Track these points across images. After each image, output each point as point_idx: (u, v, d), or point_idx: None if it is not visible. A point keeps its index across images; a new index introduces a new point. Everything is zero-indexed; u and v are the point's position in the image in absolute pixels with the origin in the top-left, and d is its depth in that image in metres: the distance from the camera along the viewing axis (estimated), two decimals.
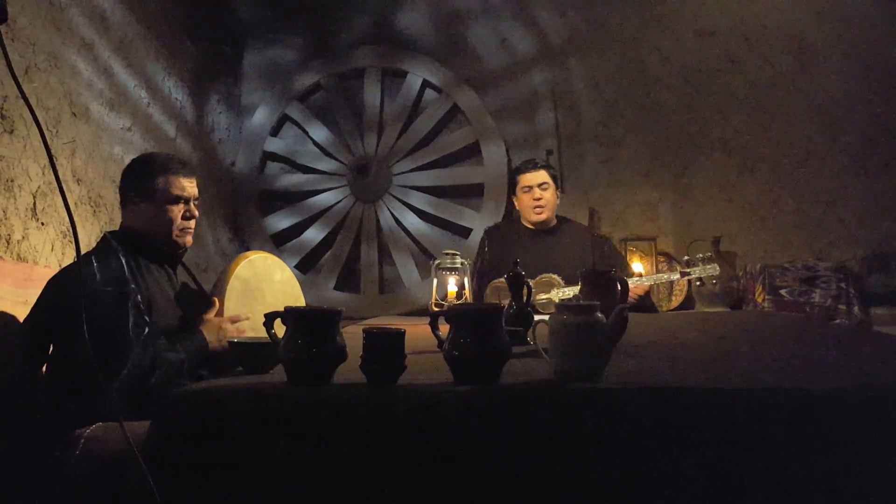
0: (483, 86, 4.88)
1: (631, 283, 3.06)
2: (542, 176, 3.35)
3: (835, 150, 4.54)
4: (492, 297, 2.89)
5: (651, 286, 3.14)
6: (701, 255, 2.99)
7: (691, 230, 4.64)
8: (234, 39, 5.02)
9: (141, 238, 2.13)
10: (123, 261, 2.01)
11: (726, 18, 4.66)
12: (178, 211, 2.14)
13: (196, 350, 2.02)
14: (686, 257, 3.08)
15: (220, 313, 2.14)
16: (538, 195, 3.31)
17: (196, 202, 2.21)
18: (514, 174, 3.46)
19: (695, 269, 2.96)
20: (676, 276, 3.05)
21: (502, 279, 2.88)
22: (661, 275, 3.16)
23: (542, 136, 4.82)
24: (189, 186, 2.18)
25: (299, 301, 2.48)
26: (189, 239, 2.20)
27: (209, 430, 1.33)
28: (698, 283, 3.01)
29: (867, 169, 4.49)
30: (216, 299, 2.16)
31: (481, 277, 3.17)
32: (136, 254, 2.11)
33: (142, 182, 2.14)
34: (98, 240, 2.16)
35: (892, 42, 4.46)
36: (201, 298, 2.21)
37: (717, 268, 2.95)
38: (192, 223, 2.20)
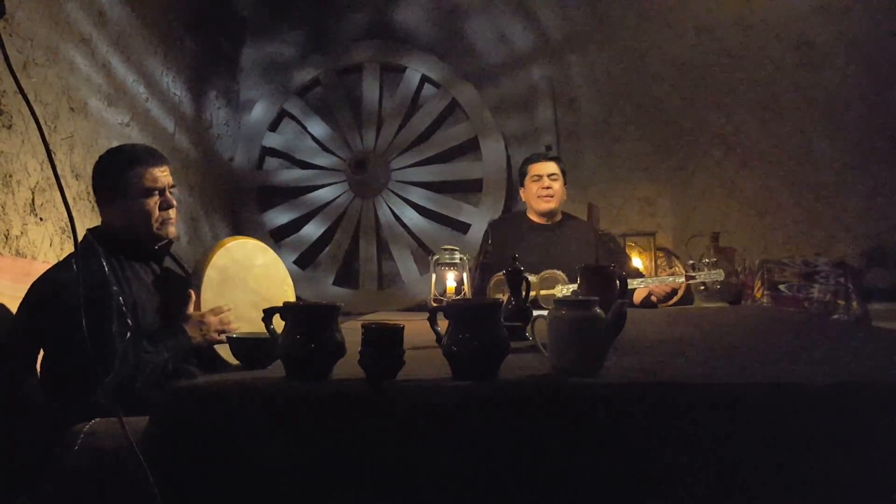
0: (482, 81, 4.87)
1: (638, 282, 3.08)
2: (552, 167, 3.36)
3: (834, 146, 4.54)
4: (495, 290, 2.89)
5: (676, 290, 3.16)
6: (707, 260, 3.01)
7: (690, 225, 4.64)
8: (233, 35, 5.01)
9: (122, 237, 2.07)
10: (105, 263, 1.93)
11: (725, 13, 4.65)
12: (153, 203, 2.06)
13: (179, 348, 1.99)
14: (691, 261, 3.09)
15: (197, 305, 2.09)
16: (547, 184, 3.33)
17: (172, 189, 2.12)
18: (523, 164, 3.47)
19: (700, 273, 2.98)
20: (681, 280, 3.06)
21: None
22: (665, 277, 3.17)
23: (541, 132, 4.81)
24: (161, 176, 2.08)
25: (286, 282, 2.41)
26: (172, 229, 2.12)
27: (208, 425, 1.33)
28: (702, 287, 3.03)
29: (867, 164, 4.49)
30: (191, 292, 2.09)
31: (484, 270, 3.17)
32: (119, 253, 2.05)
33: (112, 179, 2.06)
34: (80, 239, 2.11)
35: (892, 37, 4.46)
36: (185, 287, 2.15)
37: (722, 273, 2.98)
38: (172, 212, 2.12)
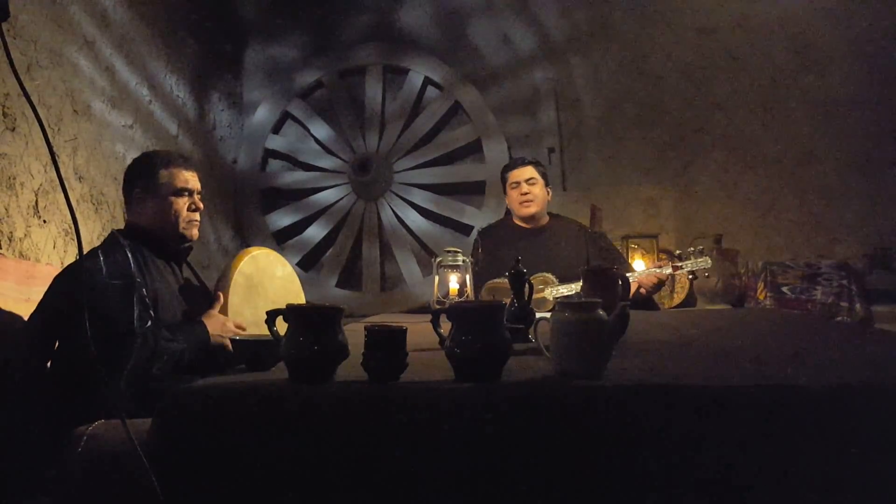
0: (485, 83, 4.88)
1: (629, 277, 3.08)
2: (529, 171, 3.35)
3: (837, 147, 4.54)
4: (487, 298, 2.89)
5: (662, 280, 3.15)
6: (692, 249, 3.00)
7: (693, 227, 4.64)
8: (236, 37, 5.02)
9: (148, 234, 2.14)
10: (130, 255, 2.02)
11: (728, 15, 4.66)
12: (183, 203, 2.16)
13: (197, 340, 2.02)
14: (678, 251, 3.09)
15: (223, 309, 2.15)
16: (525, 190, 3.32)
17: (199, 195, 2.23)
18: (503, 172, 3.47)
19: (686, 262, 2.98)
20: (668, 270, 3.06)
21: (497, 280, 2.89)
22: (652, 269, 3.16)
23: (544, 134, 4.82)
24: (192, 179, 2.20)
25: (300, 297, 2.48)
26: (195, 232, 2.22)
27: (211, 428, 1.33)
28: (690, 276, 3.03)
29: (869, 166, 4.49)
30: (220, 294, 2.17)
31: (476, 279, 3.16)
32: (143, 250, 2.11)
33: (145, 177, 2.16)
34: (104, 237, 2.17)
35: (894, 39, 4.46)
36: (204, 295, 2.22)
37: (709, 260, 2.97)
38: (198, 216, 2.22)
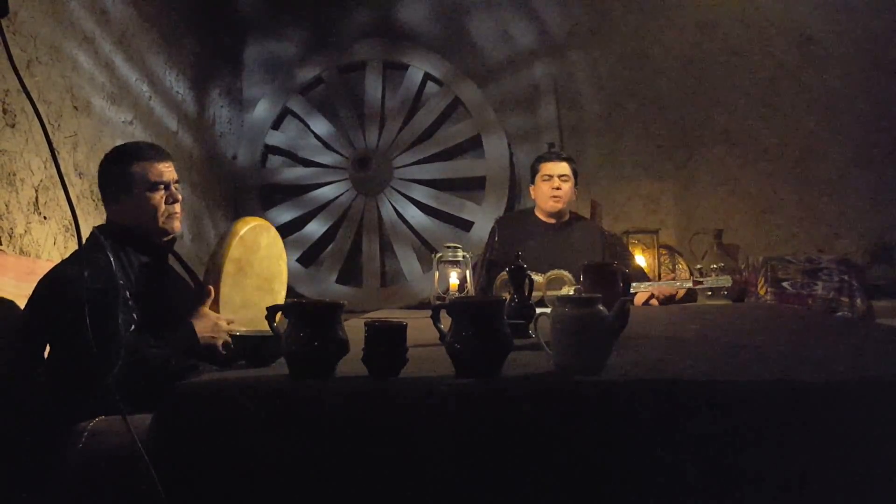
0: (484, 79, 4.87)
1: (644, 285, 3.09)
2: (564, 167, 3.36)
3: (837, 142, 4.54)
4: (502, 288, 2.88)
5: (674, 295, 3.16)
6: (714, 266, 3.02)
7: (693, 222, 4.64)
8: (235, 33, 5.01)
9: (128, 232, 2.08)
10: (111, 256, 1.95)
11: (729, 10, 4.65)
12: (159, 197, 2.08)
13: (183, 344, 1.97)
14: (699, 266, 3.10)
15: (216, 301, 2.08)
16: (557, 185, 3.32)
17: (177, 185, 2.14)
18: (536, 162, 3.46)
19: (707, 279, 2.99)
20: (689, 285, 3.07)
21: None
22: (672, 282, 3.17)
23: (544, 129, 4.81)
24: (166, 171, 2.11)
25: (282, 259, 2.41)
26: (177, 224, 2.14)
27: (211, 423, 1.34)
28: (709, 293, 3.04)
29: (870, 160, 4.48)
30: (211, 289, 2.08)
31: (490, 268, 3.16)
32: (125, 248, 2.06)
33: (117, 175, 2.08)
34: (87, 235, 2.12)
35: (894, 33, 4.45)
36: (194, 288, 2.17)
37: (730, 279, 3.00)
38: (177, 207, 2.13)
